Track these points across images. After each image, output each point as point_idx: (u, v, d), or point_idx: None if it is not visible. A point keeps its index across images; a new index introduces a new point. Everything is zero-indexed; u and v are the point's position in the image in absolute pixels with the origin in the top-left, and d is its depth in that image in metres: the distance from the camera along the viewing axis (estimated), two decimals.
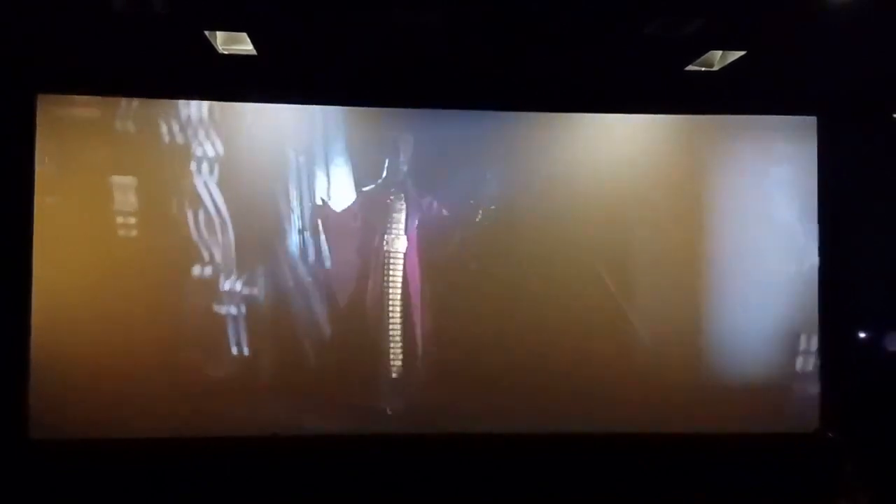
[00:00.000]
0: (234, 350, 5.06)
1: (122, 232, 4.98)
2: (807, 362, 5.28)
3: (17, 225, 4.88)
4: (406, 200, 5.22)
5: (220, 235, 5.06)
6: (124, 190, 4.99)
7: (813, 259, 5.29)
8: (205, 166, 5.06)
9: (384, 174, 5.21)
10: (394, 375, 5.17)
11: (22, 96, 4.89)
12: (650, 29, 4.03)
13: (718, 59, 4.64)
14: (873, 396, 5.15)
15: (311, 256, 5.13)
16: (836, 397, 5.23)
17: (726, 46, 4.50)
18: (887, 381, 5.15)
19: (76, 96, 4.98)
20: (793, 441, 5.20)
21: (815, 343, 5.28)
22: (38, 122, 4.90)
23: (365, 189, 5.20)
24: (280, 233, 5.11)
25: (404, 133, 5.20)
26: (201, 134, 5.07)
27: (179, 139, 5.05)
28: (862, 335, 5.21)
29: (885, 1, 3.69)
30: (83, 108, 4.99)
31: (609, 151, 5.29)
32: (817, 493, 5.09)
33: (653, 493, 5.08)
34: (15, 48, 4.53)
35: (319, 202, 5.15)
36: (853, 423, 5.17)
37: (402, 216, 5.21)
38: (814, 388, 5.26)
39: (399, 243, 5.20)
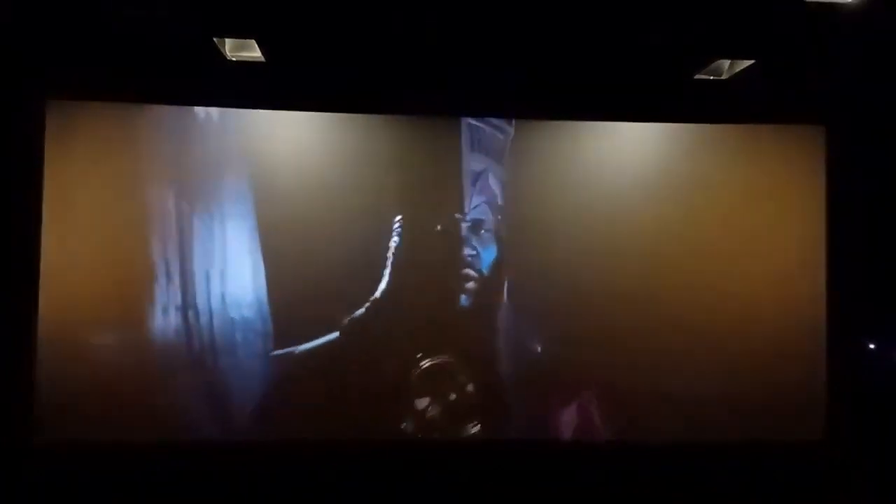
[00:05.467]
0: (246, 352, 5.05)
1: (129, 239, 4.97)
2: (813, 370, 5.24)
3: (24, 230, 4.88)
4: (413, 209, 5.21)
5: (232, 242, 5.04)
6: (133, 197, 4.98)
7: (821, 268, 5.26)
8: (216, 173, 5.05)
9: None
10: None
11: (31, 102, 4.89)
12: (659, 38, 4.04)
13: (727, 68, 4.64)
14: (880, 405, 5.15)
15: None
16: (843, 406, 5.21)
17: (735, 55, 4.50)
18: (894, 390, 5.15)
19: (85, 102, 4.96)
20: (798, 449, 5.19)
21: (821, 351, 5.25)
22: (47, 128, 4.90)
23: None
24: (289, 236, 5.09)
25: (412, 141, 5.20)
26: (214, 141, 5.05)
27: (190, 146, 5.04)
28: (870, 344, 5.21)
29: None
30: (92, 114, 4.97)
31: (616, 160, 5.26)
32: (823, 502, 5.08)
33: (657, 502, 5.08)
34: (25, 54, 4.55)
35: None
36: (860, 431, 5.16)
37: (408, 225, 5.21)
38: (820, 397, 5.23)
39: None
